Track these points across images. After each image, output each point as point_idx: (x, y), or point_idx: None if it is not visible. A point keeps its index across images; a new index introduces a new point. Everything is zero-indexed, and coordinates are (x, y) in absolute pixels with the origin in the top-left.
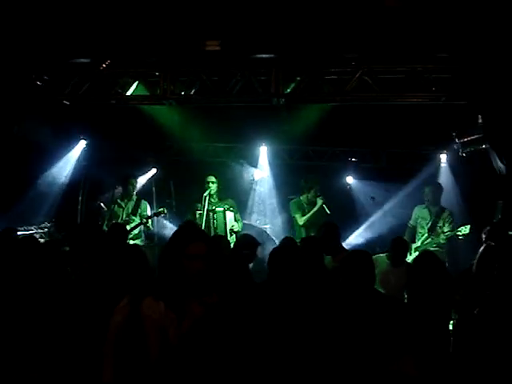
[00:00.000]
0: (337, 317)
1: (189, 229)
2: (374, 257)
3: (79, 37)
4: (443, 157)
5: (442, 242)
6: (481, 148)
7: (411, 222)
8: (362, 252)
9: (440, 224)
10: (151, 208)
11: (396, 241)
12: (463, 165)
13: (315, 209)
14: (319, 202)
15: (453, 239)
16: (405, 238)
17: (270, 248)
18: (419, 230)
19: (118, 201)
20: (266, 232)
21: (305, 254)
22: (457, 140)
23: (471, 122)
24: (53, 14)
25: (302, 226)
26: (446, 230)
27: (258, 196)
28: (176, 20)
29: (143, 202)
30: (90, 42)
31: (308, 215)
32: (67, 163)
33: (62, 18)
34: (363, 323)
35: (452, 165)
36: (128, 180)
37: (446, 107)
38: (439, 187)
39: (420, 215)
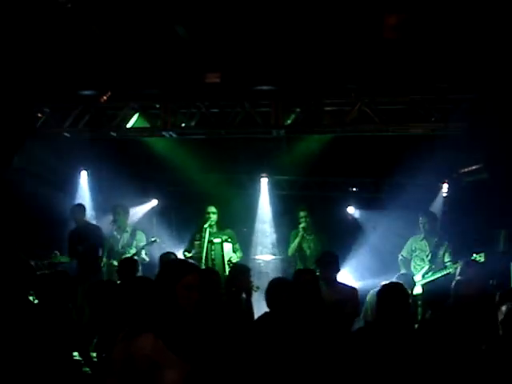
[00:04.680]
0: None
1: (182, 261)
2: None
3: (80, 69)
4: (444, 186)
5: (452, 271)
6: (481, 178)
7: (404, 253)
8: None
9: (440, 255)
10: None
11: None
12: (464, 195)
13: (298, 238)
14: (300, 229)
15: None
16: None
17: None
18: (417, 262)
19: (114, 233)
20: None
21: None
22: (457, 170)
23: (472, 152)
24: (55, 46)
25: (291, 255)
26: (446, 260)
27: (259, 227)
28: (177, 53)
29: (139, 232)
30: (91, 75)
31: (293, 245)
32: (68, 194)
33: (63, 51)
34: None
35: (453, 194)
36: (115, 210)
37: (447, 137)
38: (435, 217)
39: (417, 247)
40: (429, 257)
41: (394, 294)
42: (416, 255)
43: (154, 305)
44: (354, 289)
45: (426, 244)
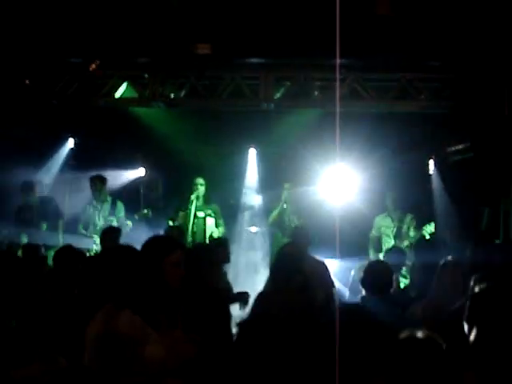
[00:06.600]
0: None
1: (168, 238)
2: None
3: (70, 37)
4: (431, 163)
5: (405, 245)
6: (467, 157)
7: (374, 232)
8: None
9: (405, 229)
10: (138, 209)
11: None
12: (450, 172)
13: (277, 209)
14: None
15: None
16: (370, 249)
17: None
18: (385, 238)
19: (94, 203)
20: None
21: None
22: (444, 149)
23: (459, 130)
24: (44, 13)
25: (270, 225)
26: (411, 235)
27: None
28: (167, 22)
29: (118, 203)
30: (81, 43)
31: (272, 214)
32: (54, 163)
33: (53, 18)
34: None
35: (439, 171)
36: (92, 181)
37: (435, 115)
38: (397, 193)
39: (383, 224)
40: (394, 232)
41: (378, 272)
42: (383, 232)
43: (136, 280)
44: (323, 262)
45: (390, 220)
